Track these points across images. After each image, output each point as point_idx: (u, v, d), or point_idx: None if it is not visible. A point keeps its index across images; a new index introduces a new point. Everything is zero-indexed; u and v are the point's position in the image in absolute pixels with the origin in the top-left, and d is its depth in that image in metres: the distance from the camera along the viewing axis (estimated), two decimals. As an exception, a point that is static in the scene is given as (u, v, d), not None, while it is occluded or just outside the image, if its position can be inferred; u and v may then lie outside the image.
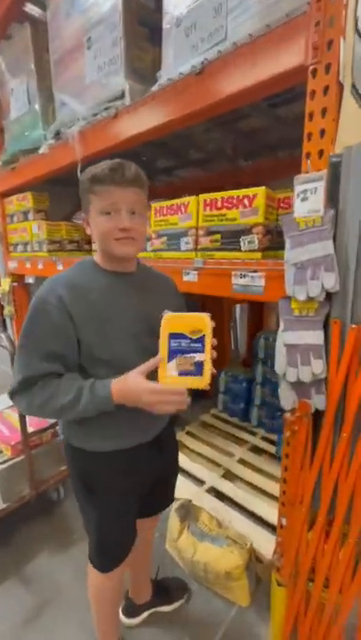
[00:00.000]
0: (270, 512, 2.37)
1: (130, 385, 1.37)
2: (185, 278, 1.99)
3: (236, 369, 3.56)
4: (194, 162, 3.34)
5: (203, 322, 1.33)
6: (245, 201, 1.86)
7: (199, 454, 3.01)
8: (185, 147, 3.00)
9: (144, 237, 1.55)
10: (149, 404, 1.33)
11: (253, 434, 3.22)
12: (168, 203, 2.15)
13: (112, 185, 1.40)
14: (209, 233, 1.97)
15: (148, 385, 1.33)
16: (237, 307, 4.71)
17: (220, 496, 2.60)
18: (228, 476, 2.77)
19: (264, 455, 2.96)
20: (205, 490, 2.60)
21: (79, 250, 3.25)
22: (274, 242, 1.90)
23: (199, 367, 1.32)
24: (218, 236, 1.95)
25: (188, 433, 3.27)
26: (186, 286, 1.96)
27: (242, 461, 2.89)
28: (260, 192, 1.82)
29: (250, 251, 1.86)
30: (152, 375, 1.36)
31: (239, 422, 3.36)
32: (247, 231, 1.84)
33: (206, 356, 1.32)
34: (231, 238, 1.89)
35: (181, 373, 1.32)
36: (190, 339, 1.32)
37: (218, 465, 2.87)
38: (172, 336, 1.34)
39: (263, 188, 1.82)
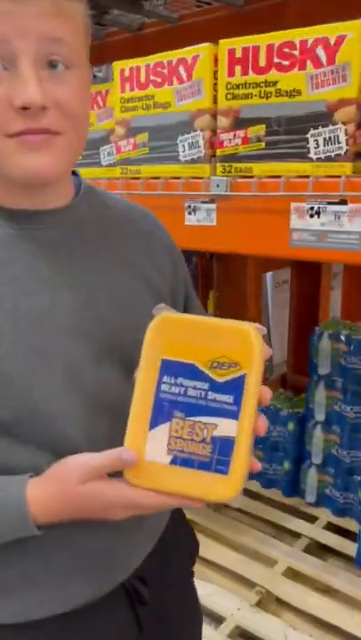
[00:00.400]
0: None
1: (74, 492, 0.59)
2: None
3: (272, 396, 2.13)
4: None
5: (243, 341, 0.56)
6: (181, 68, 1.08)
7: (213, 564, 1.81)
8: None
9: (81, 126, 0.62)
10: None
11: (311, 519, 1.91)
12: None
13: None
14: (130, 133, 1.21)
15: (117, 493, 0.58)
16: (268, 276, 2.47)
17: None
18: (267, 602, 1.65)
19: (331, 558, 1.81)
20: (228, 634, 1.57)
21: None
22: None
23: (223, 452, 0.56)
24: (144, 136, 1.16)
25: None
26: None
27: (291, 573, 1.73)
28: (205, 50, 1.03)
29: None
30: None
31: (283, 498, 2.05)
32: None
33: (242, 428, 0.55)
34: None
35: (180, 461, 0.56)
36: (209, 379, 0.56)
37: (248, 583, 1.70)
38: (167, 367, 0.57)
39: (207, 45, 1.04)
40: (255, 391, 0.55)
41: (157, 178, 1.11)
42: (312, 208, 0.93)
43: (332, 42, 0.88)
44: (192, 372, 0.56)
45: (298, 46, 0.91)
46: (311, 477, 1.90)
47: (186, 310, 0.80)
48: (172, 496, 0.56)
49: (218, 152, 1.04)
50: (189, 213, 1.08)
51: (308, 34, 0.90)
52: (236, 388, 0.55)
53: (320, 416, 1.84)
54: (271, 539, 1.84)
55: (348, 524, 1.86)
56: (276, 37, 0.93)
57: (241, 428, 0.54)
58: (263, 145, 0.98)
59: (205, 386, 0.55)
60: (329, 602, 1.61)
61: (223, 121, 1.01)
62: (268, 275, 2.43)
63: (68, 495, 0.57)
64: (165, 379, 0.56)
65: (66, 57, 0.55)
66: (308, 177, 0.94)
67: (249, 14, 1.73)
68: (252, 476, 2.10)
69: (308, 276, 2.31)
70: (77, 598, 0.68)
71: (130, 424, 0.56)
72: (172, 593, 0.81)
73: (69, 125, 0.57)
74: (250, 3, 1.73)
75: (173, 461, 0.56)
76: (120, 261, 0.69)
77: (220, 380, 0.55)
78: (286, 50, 0.92)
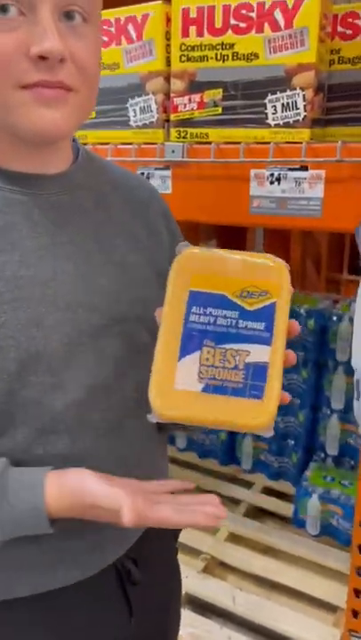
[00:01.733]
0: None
1: (89, 513, 0.58)
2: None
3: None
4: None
5: (273, 273, 0.57)
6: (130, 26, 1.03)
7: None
8: None
9: (94, 85, 0.58)
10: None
11: (248, 485, 1.96)
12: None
13: None
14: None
15: (143, 517, 0.52)
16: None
17: (203, 607, 1.62)
18: (213, 568, 1.69)
19: (269, 520, 1.88)
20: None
21: None
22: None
23: (257, 377, 0.54)
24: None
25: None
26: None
27: (233, 538, 1.77)
28: (156, 9, 1.00)
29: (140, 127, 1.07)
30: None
31: (219, 467, 2.09)
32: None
33: (275, 355, 0.55)
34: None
35: (212, 389, 0.55)
36: (239, 307, 0.56)
37: (194, 552, 1.72)
38: (195, 298, 0.56)
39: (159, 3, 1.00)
40: (285, 318, 0.55)
41: (106, 144, 1.05)
42: (272, 175, 0.93)
43: (290, 5, 0.88)
44: (221, 302, 0.55)
45: (255, 8, 0.90)
46: (247, 445, 1.97)
47: None
48: (200, 421, 0.54)
49: (172, 117, 1.00)
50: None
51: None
52: (267, 315, 0.55)
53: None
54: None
55: (282, 486, 1.97)
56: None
57: (274, 353, 0.54)
58: (220, 110, 0.96)
59: (235, 314, 0.55)
60: (273, 561, 1.70)
61: (177, 84, 0.98)
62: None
63: (80, 514, 0.57)
64: (194, 309, 0.55)
65: (84, 9, 0.52)
66: (266, 143, 0.94)
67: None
68: (188, 447, 2.14)
69: (233, 245, 2.36)
70: (66, 578, 0.65)
71: (157, 355, 0.55)
72: (161, 573, 0.81)
73: (84, 83, 0.54)
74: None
75: (205, 389, 0.54)
76: (121, 232, 0.66)
77: (251, 308, 0.55)
78: (243, 11, 0.90)
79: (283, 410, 1.87)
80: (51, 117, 0.53)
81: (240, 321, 0.55)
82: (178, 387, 0.54)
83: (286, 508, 1.84)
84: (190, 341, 0.55)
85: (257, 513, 1.91)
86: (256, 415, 0.53)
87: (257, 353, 0.54)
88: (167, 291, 0.56)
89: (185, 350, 0.55)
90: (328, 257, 2.77)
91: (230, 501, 1.92)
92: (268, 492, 1.96)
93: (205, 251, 0.58)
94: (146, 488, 0.56)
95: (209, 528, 1.21)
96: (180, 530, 0.92)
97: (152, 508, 0.53)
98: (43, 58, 0.49)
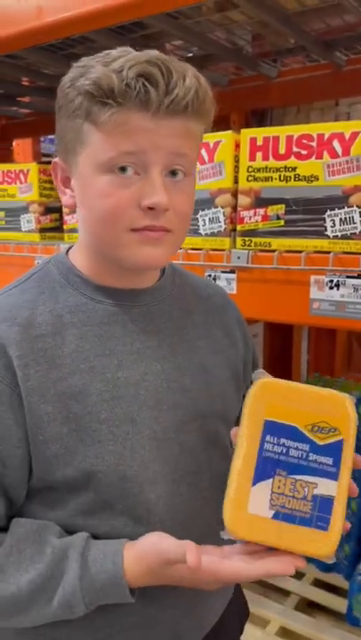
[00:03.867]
0: None
1: (163, 575, 0.61)
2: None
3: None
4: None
5: (340, 408, 0.60)
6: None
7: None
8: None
9: (187, 225, 0.70)
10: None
11: (299, 575, 1.85)
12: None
13: (142, 110, 0.59)
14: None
15: (205, 576, 0.59)
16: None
17: None
18: None
19: (321, 615, 1.76)
20: None
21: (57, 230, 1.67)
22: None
23: (323, 509, 0.58)
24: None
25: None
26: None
27: (284, 633, 1.68)
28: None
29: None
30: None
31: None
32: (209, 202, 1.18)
33: (341, 490, 0.58)
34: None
35: (281, 516, 0.59)
36: (310, 441, 0.60)
37: None
38: (270, 428, 0.60)
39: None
40: (351, 455, 0.59)
41: (179, 249, 1.17)
42: (331, 281, 1.01)
43: (347, 136, 1.00)
44: (294, 434, 0.59)
45: (315, 138, 1.02)
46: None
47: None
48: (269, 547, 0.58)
49: (238, 227, 1.12)
50: (209, 282, 1.14)
51: (325, 129, 1.01)
52: (335, 451, 0.58)
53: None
54: (262, 597, 1.83)
55: (335, 579, 1.90)
56: (295, 130, 1.04)
57: (340, 489, 0.58)
58: (283, 222, 1.07)
59: (307, 447, 0.59)
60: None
61: (244, 199, 1.10)
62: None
63: (158, 577, 0.61)
64: (268, 438, 0.59)
65: (185, 167, 0.64)
66: (326, 252, 1.03)
67: (232, 93, 1.89)
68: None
69: (279, 331, 2.41)
70: None
71: (232, 477, 0.59)
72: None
73: (180, 225, 0.65)
74: (233, 83, 1.90)
75: (276, 516, 0.58)
76: (202, 336, 0.75)
77: (321, 443, 0.59)
78: (305, 141, 1.03)
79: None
80: (152, 254, 0.64)
81: (310, 454, 0.59)
82: (251, 510, 0.58)
83: (338, 603, 1.78)
84: (264, 468, 0.59)
85: (308, 606, 1.84)
86: (321, 546, 0.57)
87: (324, 486, 0.58)
88: (243, 416, 0.60)
89: (259, 476, 0.59)
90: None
91: (280, 593, 1.87)
92: (320, 584, 1.90)
93: (280, 382, 0.62)
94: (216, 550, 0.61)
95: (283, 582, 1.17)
96: (248, 616, 0.93)
97: (223, 560, 0.58)
98: (151, 208, 0.61)
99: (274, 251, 1.07)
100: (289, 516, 0.58)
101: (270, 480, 0.59)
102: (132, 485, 0.64)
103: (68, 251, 0.74)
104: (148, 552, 0.60)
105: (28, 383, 0.62)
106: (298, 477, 0.59)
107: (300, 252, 1.05)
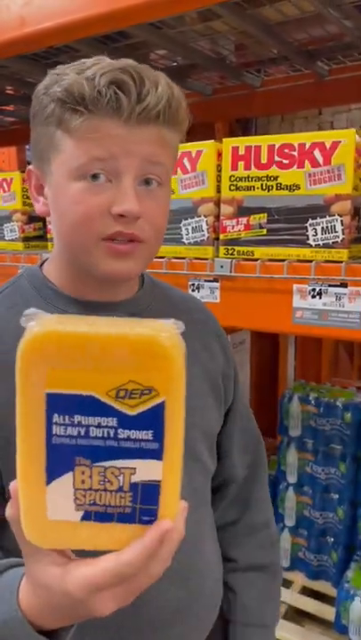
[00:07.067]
0: None
1: (40, 581, 0.46)
2: None
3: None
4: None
5: (155, 356, 0.40)
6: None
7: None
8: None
9: (161, 236, 0.68)
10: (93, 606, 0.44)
11: (287, 584, 1.85)
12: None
13: (114, 117, 0.59)
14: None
15: (66, 572, 0.43)
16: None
17: None
18: None
19: (310, 623, 1.79)
20: None
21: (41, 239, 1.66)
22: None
23: (147, 499, 0.43)
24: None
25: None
26: None
27: None
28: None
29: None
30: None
31: None
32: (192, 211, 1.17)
33: (168, 470, 0.43)
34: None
35: (93, 516, 0.43)
36: (116, 412, 0.41)
37: None
38: (54, 402, 0.40)
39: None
40: (180, 420, 0.42)
41: (161, 257, 1.17)
42: (314, 289, 1.02)
43: (327, 146, 1.00)
44: (92, 407, 0.40)
45: (297, 148, 1.02)
46: (285, 540, 1.93)
47: (234, 393, 0.84)
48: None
49: (221, 236, 1.12)
50: (193, 290, 1.14)
51: (306, 138, 1.02)
52: (154, 419, 0.41)
53: (292, 478, 1.89)
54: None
55: (323, 587, 1.90)
56: (277, 139, 1.04)
57: (168, 467, 0.42)
58: (265, 231, 1.07)
59: (113, 422, 0.41)
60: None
61: (227, 209, 1.10)
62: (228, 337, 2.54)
63: (39, 585, 0.46)
64: (56, 418, 0.41)
65: (159, 177, 0.63)
66: (308, 261, 1.03)
67: (216, 102, 1.90)
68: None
69: (266, 338, 2.42)
70: None
71: (20, 481, 0.43)
72: None
73: (153, 235, 0.64)
74: (218, 92, 1.91)
75: (86, 517, 0.43)
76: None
77: (132, 412, 0.41)
78: (286, 150, 1.03)
79: (321, 505, 1.85)
80: (121, 267, 0.63)
81: (120, 430, 0.41)
82: (51, 516, 0.43)
83: (327, 611, 1.77)
84: (58, 461, 0.42)
85: (297, 614, 1.84)
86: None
87: (145, 469, 0.42)
88: (17, 393, 0.41)
89: (53, 473, 0.42)
90: (361, 345, 2.80)
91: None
92: (308, 592, 1.90)
93: (62, 330, 0.39)
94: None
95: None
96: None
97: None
98: (122, 216, 0.60)
99: (257, 259, 1.07)
100: (104, 515, 0.43)
101: (70, 474, 0.42)
102: None
103: (42, 263, 0.73)
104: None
105: None
106: (107, 464, 0.42)
107: (283, 260, 1.05)
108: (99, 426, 0.41)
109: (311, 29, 1.44)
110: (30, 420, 0.41)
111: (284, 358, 2.44)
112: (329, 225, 1.02)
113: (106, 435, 0.41)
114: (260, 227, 1.08)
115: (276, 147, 1.04)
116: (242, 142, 1.07)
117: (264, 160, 1.05)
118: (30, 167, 0.69)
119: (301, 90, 1.73)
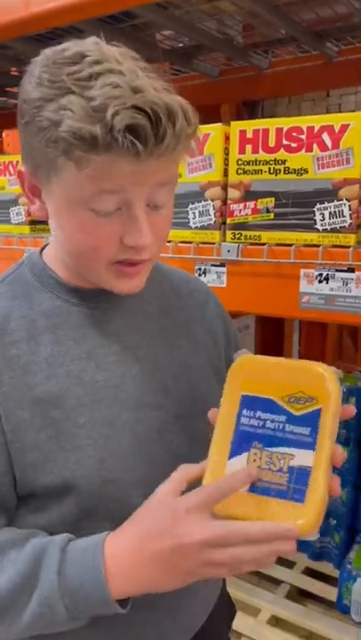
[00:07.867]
0: None
1: (152, 534, 0.55)
2: None
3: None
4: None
5: (317, 378, 0.59)
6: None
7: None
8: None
9: (164, 245, 0.68)
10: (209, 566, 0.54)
11: (289, 564, 1.88)
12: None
13: (129, 158, 0.54)
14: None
15: (201, 527, 0.53)
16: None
17: None
18: None
19: (312, 603, 1.81)
20: None
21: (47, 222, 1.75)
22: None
23: (299, 481, 0.56)
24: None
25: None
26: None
27: (275, 622, 1.72)
28: (216, 129, 1.29)
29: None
30: None
31: None
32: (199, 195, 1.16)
33: (318, 458, 0.56)
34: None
35: (258, 490, 0.57)
36: (286, 412, 0.59)
37: (235, 634, 1.62)
38: (246, 402, 0.61)
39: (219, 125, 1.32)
40: (331, 424, 0.57)
41: (168, 242, 1.17)
42: (321, 274, 1.02)
43: (336, 129, 0.99)
44: (270, 406, 0.59)
45: (305, 131, 1.02)
46: (288, 522, 1.95)
47: None
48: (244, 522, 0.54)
49: (228, 220, 1.11)
50: (199, 275, 1.14)
51: (315, 121, 1.01)
52: (312, 421, 0.57)
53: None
54: (253, 586, 1.85)
55: (325, 567, 1.93)
56: (285, 122, 1.03)
57: (318, 458, 0.56)
58: (272, 216, 1.07)
59: (283, 419, 0.58)
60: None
61: (234, 193, 1.10)
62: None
63: (144, 549, 0.56)
64: (245, 412, 0.60)
65: (167, 196, 0.61)
66: (315, 246, 1.03)
67: (223, 83, 1.88)
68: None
69: (271, 322, 2.42)
70: None
71: (210, 454, 0.59)
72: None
73: (158, 250, 0.64)
74: (224, 74, 1.88)
75: (252, 490, 0.57)
76: (182, 335, 0.74)
77: (298, 413, 0.58)
78: (294, 134, 1.02)
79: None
80: (129, 286, 0.64)
81: (287, 425, 0.58)
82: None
83: (329, 591, 1.80)
84: (240, 443, 0.59)
85: (299, 594, 1.87)
86: (297, 519, 0.54)
87: (301, 457, 0.56)
88: (223, 394, 0.61)
89: (235, 451, 0.59)
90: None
91: (271, 581, 1.89)
92: (310, 572, 1.92)
93: (258, 357, 0.62)
94: None
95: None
96: (234, 616, 0.94)
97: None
98: (135, 247, 0.59)
99: (264, 244, 1.07)
100: (266, 489, 0.56)
101: (246, 454, 0.58)
102: (114, 489, 0.63)
103: (43, 248, 0.72)
104: (136, 514, 0.58)
105: (3, 389, 0.61)
106: (274, 450, 0.58)
107: (290, 245, 1.05)
108: (273, 421, 0.59)
109: (320, 10, 1.42)
110: (229, 411, 0.60)
111: (289, 343, 2.44)
112: (337, 209, 1.01)
113: (276, 427, 0.58)
114: (268, 211, 1.07)
115: (285, 130, 1.03)
116: (250, 125, 1.06)
117: (272, 143, 1.05)
118: (22, 169, 0.64)
119: (309, 71, 1.71)
